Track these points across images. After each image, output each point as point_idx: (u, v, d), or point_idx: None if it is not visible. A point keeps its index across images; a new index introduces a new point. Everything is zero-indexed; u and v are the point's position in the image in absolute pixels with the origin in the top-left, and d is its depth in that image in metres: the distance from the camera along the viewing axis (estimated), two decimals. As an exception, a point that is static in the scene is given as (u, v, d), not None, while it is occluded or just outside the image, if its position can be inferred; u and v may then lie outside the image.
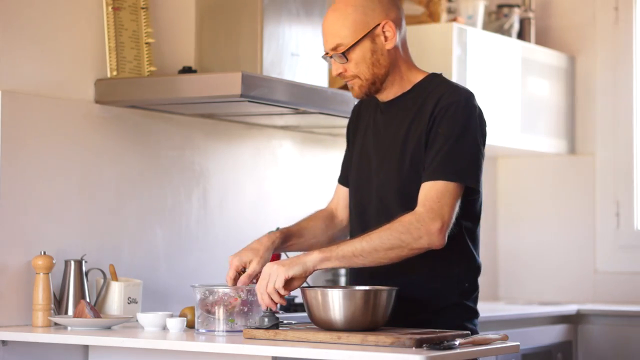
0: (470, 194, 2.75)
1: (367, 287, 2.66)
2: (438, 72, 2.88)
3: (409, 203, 2.72)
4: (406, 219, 2.65)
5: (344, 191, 3.02)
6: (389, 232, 2.64)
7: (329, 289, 2.60)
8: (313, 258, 2.65)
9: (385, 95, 2.85)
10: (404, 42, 2.84)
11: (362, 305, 2.59)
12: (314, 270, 2.66)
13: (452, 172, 2.68)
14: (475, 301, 2.86)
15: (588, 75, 5.30)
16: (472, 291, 2.83)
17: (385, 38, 2.77)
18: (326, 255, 2.65)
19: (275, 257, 3.49)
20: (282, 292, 2.65)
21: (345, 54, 2.76)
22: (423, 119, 2.75)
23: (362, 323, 2.59)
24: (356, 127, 2.96)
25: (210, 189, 3.84)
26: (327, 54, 2.82)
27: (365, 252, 2.64)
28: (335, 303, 2.59)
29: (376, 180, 2.83)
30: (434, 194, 2.66)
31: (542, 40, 5.29)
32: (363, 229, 2.79)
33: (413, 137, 2.76)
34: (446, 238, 2.66)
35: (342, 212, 3.03)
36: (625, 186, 5.20)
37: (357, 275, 2.88)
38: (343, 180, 3.04)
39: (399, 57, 2.82)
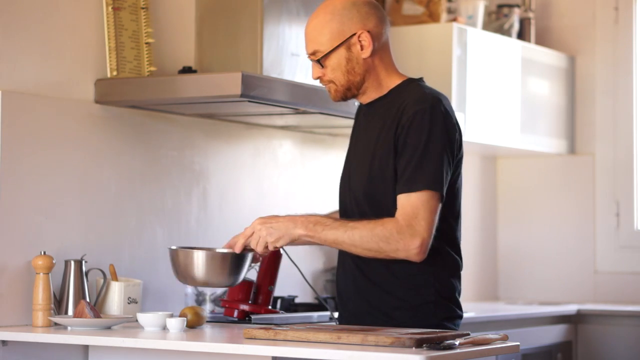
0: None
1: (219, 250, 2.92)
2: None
3: (378, 207, 2.79)
4: (389, 226, 2.71)
5: None
6: (370, 235, 2.71)
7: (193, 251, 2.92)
8: (299, 233, 2.78)
9: (365, 99, 2.91)
10: (385, 48, 2.88)
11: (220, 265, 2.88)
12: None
13: (424, 183, 2.71)
14: (456, 301, 2.87)
15: (588, 75, 5.30)
16: (448, 289, 2.83)
17: (362, 47, 2.83)
18: (310, 234, 2.77)
19: None
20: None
21: (321, 61, 2.84)
22: (391, 124, 2.79)
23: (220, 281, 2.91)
24: (353, 129, 3.03)
25: (210, 188, 3.84)
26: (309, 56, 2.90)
27: (345, 244, 2.76)
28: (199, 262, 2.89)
29: (353, 183, 2.89)
30: (410, 209, 2.70)
31: (542, 40, 5.29)
32: None
33: (381, 142, 2.81)
34: (426, 253, 2.71)
35: None
36: (625, 186, 5.20)
37: (343, 259, 2.95)
38: None
39: (376, 65, 2.86)
